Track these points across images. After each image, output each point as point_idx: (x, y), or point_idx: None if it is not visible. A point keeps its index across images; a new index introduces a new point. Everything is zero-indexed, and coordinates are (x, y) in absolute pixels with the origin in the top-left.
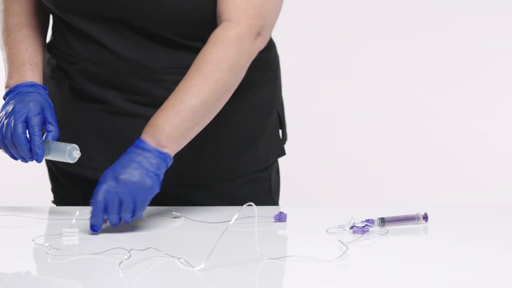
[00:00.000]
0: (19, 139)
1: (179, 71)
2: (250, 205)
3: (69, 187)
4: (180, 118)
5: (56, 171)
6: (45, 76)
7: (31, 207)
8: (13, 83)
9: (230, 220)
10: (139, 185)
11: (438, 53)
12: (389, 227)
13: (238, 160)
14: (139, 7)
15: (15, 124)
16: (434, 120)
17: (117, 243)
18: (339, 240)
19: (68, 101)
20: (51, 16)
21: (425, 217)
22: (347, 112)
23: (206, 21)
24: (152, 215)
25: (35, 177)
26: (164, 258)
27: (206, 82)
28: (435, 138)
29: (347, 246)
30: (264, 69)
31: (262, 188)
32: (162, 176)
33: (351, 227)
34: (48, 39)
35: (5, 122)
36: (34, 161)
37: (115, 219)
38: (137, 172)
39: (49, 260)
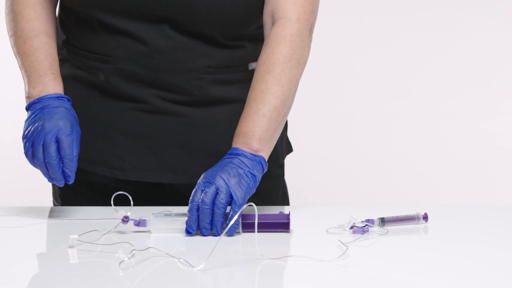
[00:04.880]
0: (52, 163)
1: (218, 70)
2: (250, 205)
3: (79, 189)
4: (266, 121)
5: None
6: (64, 78)
7: (40, 207)
8: (37, 93)
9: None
10: (238, 181)
11: (444, 52)
12: (389, 227)
13: None
14: (191, 8)
15: (47, 145)
16: (440, 120)
17: (119, 242)
18: (339, 240)
19: (98, 101)
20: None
21: (425, 217)
22: (348, 112)
23: (251, 22)
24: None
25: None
26: (165, 258)
27: (281, 82)
28: (441, 138)
29: (347, 246)
30: None
31: (279, 184)
32: (259, 178)
33: (351, 227)
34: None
35: (36, 141)
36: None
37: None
38: (235, 171)
39: (50, 260)
